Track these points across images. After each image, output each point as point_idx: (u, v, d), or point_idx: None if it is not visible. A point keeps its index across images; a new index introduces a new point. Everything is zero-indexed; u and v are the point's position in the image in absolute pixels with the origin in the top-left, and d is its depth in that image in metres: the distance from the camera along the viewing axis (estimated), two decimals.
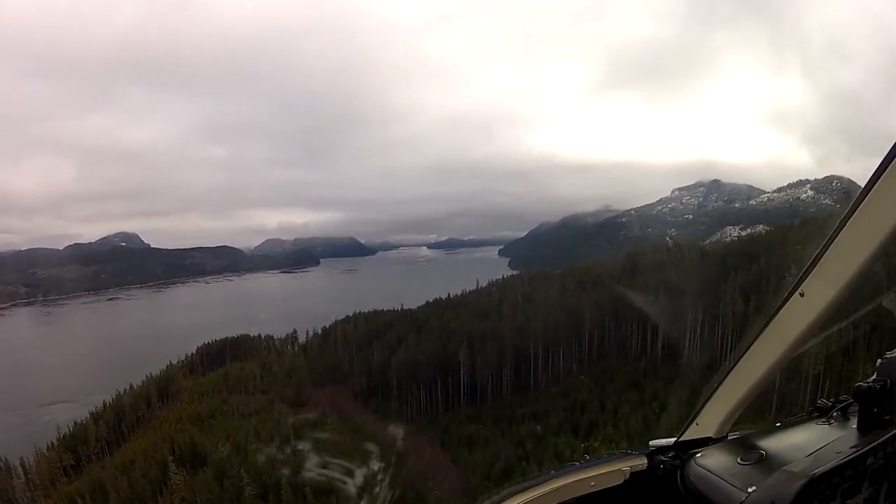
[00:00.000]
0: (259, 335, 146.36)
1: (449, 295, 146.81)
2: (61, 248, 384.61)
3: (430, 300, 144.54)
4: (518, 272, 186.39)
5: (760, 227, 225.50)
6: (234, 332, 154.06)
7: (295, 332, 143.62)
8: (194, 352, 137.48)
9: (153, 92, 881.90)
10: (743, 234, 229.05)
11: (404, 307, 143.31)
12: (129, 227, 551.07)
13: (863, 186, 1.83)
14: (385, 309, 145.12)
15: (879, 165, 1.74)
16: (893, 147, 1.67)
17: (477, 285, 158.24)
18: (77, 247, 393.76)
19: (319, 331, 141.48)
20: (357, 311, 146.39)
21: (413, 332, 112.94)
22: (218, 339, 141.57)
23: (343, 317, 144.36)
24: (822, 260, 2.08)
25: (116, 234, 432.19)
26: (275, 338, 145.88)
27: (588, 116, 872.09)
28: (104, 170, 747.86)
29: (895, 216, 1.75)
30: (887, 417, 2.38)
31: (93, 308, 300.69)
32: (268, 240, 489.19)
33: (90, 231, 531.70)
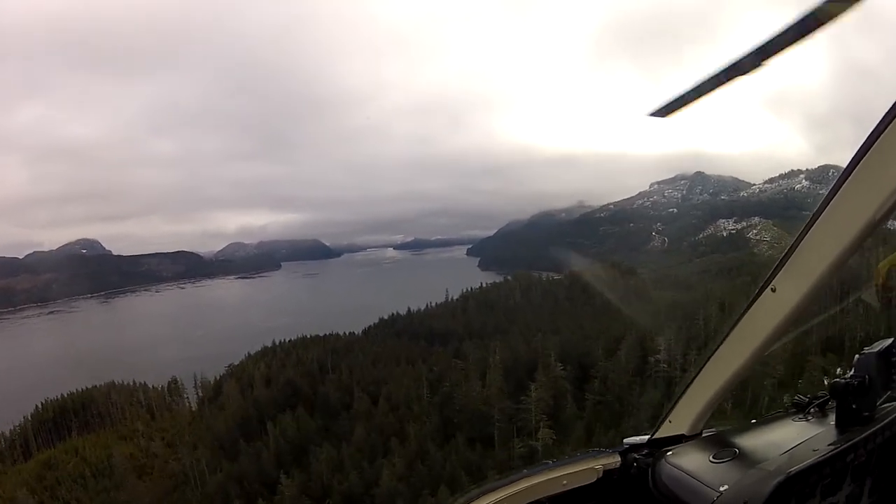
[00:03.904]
0: (134, 382, 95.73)
1: (409, 310, 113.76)
2: (22, 256, 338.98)
3: (386, 317, 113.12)
4: (505, 278, 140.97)
5: (756, 220, 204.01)
6: (158, 355, 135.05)
7: (177, 382, 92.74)
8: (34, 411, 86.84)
9: (88, 77, 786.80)
10: (738, 227, 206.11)
11: (348, 332, 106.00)
12: (90, 233, 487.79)
13: (834, 182, 1.74)
14: (323, 334, 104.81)
15: (851, 161, 1.65)
16: (864, 143, 1.59)
17: (447, 296, 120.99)
18: (37, 255, 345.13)
19: (223, 372, 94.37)
20: (280, 342, 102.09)
21: (339, 415, 62.63)
22: (72, 392, 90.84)
23: (261, 348, 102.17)
24: (793, 255, 1.96)
25: (78, 241, 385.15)
26: (150, 387, 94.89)
27: (562, 104, 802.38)
28: (52, 170, 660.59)
29: (868, 212, 1.66)
30: (866, 414, 2.23)
31: (30, 324, 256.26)
32: (231, 243, 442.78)
33: (52, 238, 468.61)
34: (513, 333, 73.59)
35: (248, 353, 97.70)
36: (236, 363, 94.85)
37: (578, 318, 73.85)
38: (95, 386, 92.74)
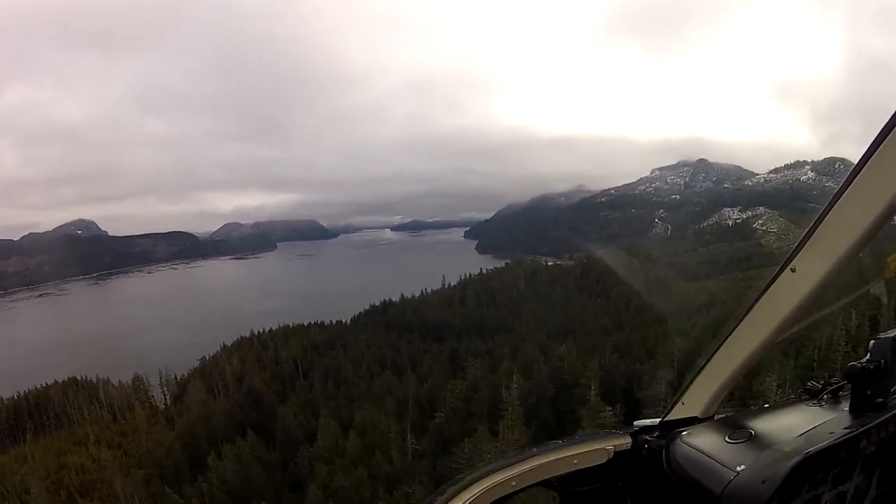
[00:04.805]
0: (97, 378, 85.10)
1: (402, 296, 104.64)
2: (17, 238, 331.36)
3: (377, 303, 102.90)
4: (506, 263, 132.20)
5: (762, 210, 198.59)
6: (138, 342, 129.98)
7: (141, 379, 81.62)
8: None
9: (77, 57, 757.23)
10: (744, 216, 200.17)
11: (335, 321, 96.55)
12: (86, 213, 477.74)
13: (856, 163, 1.68)
14: (307, 323, 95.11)
15: (873, 142, 1.60)
16: (887, 124, 1.55)
17: (443, 282, 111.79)
18: (33, 236, 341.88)
19: (196, 364, 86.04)
20: (259, 332, 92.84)
21: (298, 450, 49.30)
22: (30, 389, 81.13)
23: (238, 338, 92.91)
24: (814, 235, 1.88)
25: (74, 222, 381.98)
26: (119, 382, 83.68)
27: (560, 84, 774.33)
28: (44, 151, 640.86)
29: (889, 193, 1.62)
30: (880, 400, 2.15)
31: (18, 308, 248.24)
32: (227, 224, 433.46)
33: (49, 219, 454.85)
34: (519, 332, 62.96)
35: (224, 345, 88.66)
36: (210, 356, 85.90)
37: (598, 317, 62.57)
38: (56, 381, 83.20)
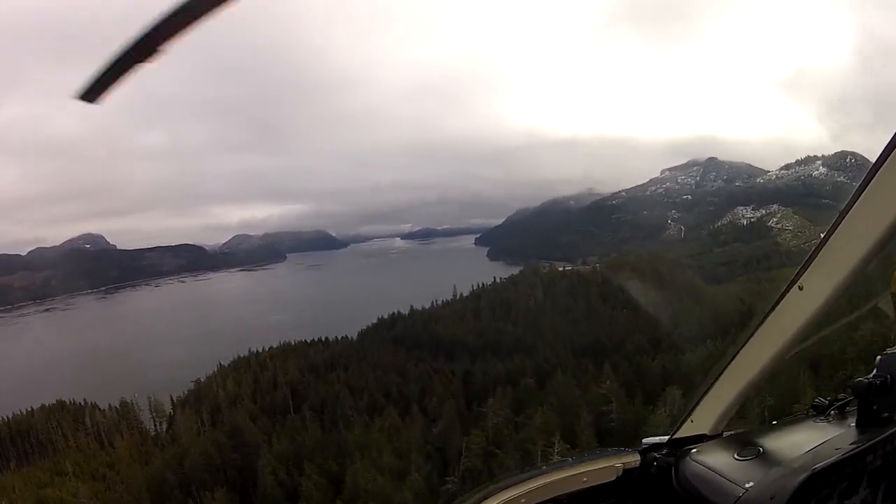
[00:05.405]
0: (84, 402, 79.67)
1: (412, 309, 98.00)
2: (24, 253, 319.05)
3: (385, 316, 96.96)
4: (521, 271, 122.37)
5: (776, 207, 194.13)
6: (138, 358, 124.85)
7: (130, 405, 76.11)
8: None
9: (66, 69, 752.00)
10: (758, 215, 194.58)
11: (340, 336, 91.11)
12: (94, 228, 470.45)
13: (863, 178, 1.68)
14: (310, 340, 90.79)
15: (880, 156, 1.59)
16: (894, 137, 1.52)
17: (455, 293, 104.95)
18: (40, 251, 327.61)
19: (192, 386, 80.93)
20: (258, 350, 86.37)
21: None
22: (17, 414, 76.13)
23: (234, 358, 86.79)
24: (821, 252, 1.91)
25: (82, 236, 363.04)
26: (108, 406, 77.59)
27: (568, 83, 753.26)
28: (48, 165, 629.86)
29: None
30: (886, 415, 2.19)
31: (23, 323, 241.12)
32: (235, 236, 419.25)
33: (57, 234, 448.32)
34: (542, 353, 56.12)
35: (220, 364, 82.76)
36: (205, 377, 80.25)
37: (630, 333, 54.59)
38: (44, 405, 77.65)
